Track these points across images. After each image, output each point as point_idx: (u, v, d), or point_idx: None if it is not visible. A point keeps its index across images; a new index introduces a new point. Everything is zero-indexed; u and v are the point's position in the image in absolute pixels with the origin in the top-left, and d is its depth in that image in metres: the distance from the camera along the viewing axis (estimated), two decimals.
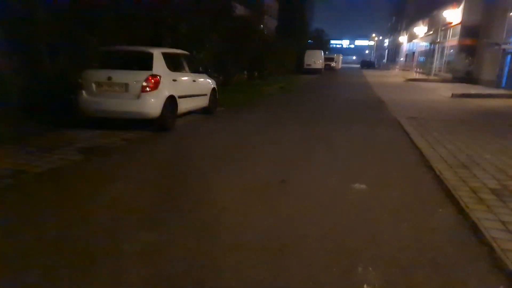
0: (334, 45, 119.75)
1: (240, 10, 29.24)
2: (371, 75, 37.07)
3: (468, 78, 26.52)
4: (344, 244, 3.06)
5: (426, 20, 40.50)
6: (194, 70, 8.50)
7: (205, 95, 8.86)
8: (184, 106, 7.76)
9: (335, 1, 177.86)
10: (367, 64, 70.18)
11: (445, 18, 29.92)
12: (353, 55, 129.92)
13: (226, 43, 15.83)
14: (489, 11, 24.56)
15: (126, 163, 5.44)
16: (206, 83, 9.05)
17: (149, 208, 3.76)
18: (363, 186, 4.48)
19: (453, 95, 14.90)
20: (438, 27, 32.47)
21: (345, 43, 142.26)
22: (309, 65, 36.71)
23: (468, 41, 27.01)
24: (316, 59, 37.13)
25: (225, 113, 10.09)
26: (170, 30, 10.36)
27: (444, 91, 18.20)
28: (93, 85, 7.04)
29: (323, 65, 39.62)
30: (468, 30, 26.89)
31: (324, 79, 30.90)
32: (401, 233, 3.29)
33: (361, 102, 13.57)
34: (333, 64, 50.43)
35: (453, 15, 28.73)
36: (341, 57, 63.97)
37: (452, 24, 29.33)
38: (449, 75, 28.78)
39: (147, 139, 6.81)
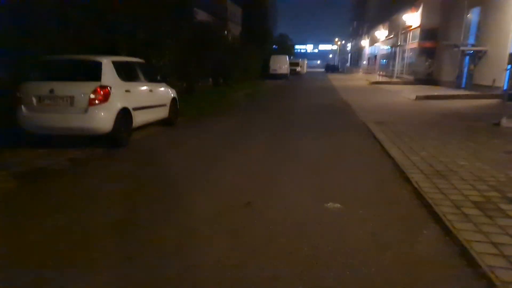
0: (299, 50, 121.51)
1: (202, 16, 28.77)
2: (336, 79, 37.44)
3: (429, 79, 27.21)
4: (322, 286, 2.56)
5: (386, 24, 41.52)
6: (151, 79, 7.82)
7: (165, 105, 8.20)
8: (140, 118, 7.08)
9: (299, 7, 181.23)
10: (331, 68, 71.26)
11: (404, 21, 30.65)
12: (317, 59, 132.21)
13: (189, 49, 15.21)
14: (447, 14, 25.33)
15: (67, 190, 4.70)
16: (165, 92, 8.40)
17: (87, 255, 3.10)
18: (337, 205, 4.03)
19: (417, 97, 15.00)
20: (398, 31, 33.26)
21: (309, 48, 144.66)
22: (275, 70, 36.57)
23: (427, 44, 27.73)
24: (281, 64, 37.06)
25: (188, 123, 9.48)
26: (126, 38, 9.62)
27: (407, 93, 18.37)
28: (34, 99, 6.24)
29: (289, 70, 39.63)
30: (427, 33, 27.62)
31: (290, 84, 30.79)
32: (385, 266, 2.83)
33: (329, 107, 13.32)
34: (298, 68, 50.67)
35: (412, 19, 29.46)
36: (306, 62, 64.64)
37: (412, 28, 30.07)
38: (411, 77, 29.43)
39: (96, 158, 6.09)
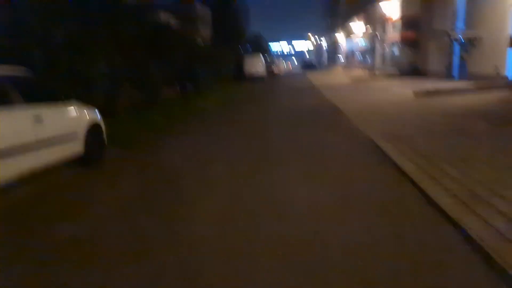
0: (275, 52, 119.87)
1: (167, 18, 26.28)
2: (315, 77, 35.35)
3: (414, 71, 25.42)
4: None
5: (362, 17, 39.86)
6: (44, 99, 4.96)
7: (73, 137, 5.33)
8: (14, 167, 4.20)
9: (270, 5, 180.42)
10: (308, 66, 69.29)
11: (382, 12, 28.90)
12: (293, 59, 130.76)
13: (145, 53, 12.75)
14: (428, 1, 23.56)
15: None
16: (74, 118, 5.52)
17: None
18: None
19: (416, 94, 12.86)
20: (376, 22, 31.51)
21: (283, 45, 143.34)
22: (250, 71, 34.22)
23: (410, 34, 25.97)
24: (257, 65, 34.74)
25: (126, 155, 6.70)
26: (40, 40, 7.07)
27: (399, 89, 16.33)
28: None
29: (265, 70, 37.41)
30: (409, 22, 25.85)
31: (267, 85, 28.48)
32: None
33: (314, 114, 10.94)
34: (275, 69, 48.69)
35: (390, 9, 27.70)
36: (283, 62, 62.80)
37: (391, 18, 28.32)
38: (395, 70, 27.62)
39: None
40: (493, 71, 14.92)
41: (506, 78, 14.81)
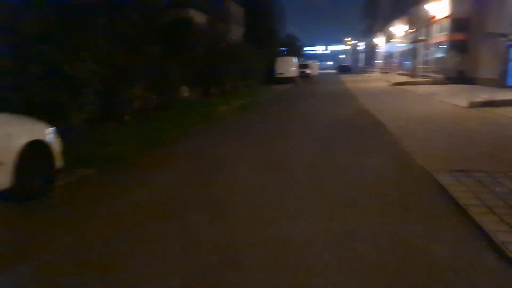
0: (309, 52, 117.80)
1: (199, 17, 25.44)
2: (351, 81, 33.37)
3: (462, 77, 23.00)
4: None
5: (405, 18, 37.31)
6: None
7: None
8: None
9: (307, 7, 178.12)
10: (344, 69, 67.31)
11: (428, 12, 26.52)
12: (328, 60, 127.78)
13: (158, 53, 11.63)
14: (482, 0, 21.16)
15: None
16: None
17: None
18: None
19: (471, 104, 10.90)
20: (420, 24, 29.07)
21: (320, 49, 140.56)
22: (281, 73, 32.67)
23: (458, 36, 23.52)
24: (288, 66, 33.16)
25: (89, 183, 5.02)
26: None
27: (446, 97, 14.33)
28: None
29: (297, 73, 35.75)
30: (458, 23, 23.41)
31: (298, 89, 26.90)
32: None
33: (349, 129, 8.99)
34: (308, 71, 46.79)
35: (438, 8, 25.31)
36: (316, 63, 60.64)
37: (438, 19, 25.89)
38: (440, 76, 25.22)
39: None
40: None
41: None
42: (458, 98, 13.62)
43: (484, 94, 14.04)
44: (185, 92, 17.29)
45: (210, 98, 17.34)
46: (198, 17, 26.13)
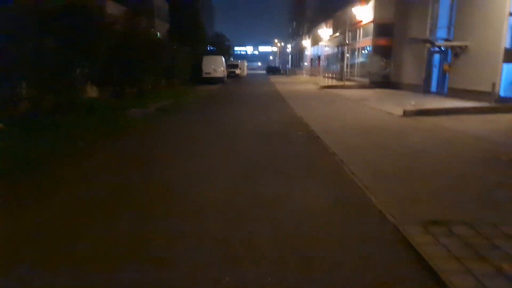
0: (238, 52, 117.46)
1: (116, 9, 22.85)
2: (280, 83, 32.76)
3: (386, 82, 23.40)
4: None
5: (330, 21, 37.80)
6: None
7: None
8: None
9: (235, 8, 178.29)
10: (273, 70, 67.56)
11: (352, 17, 26.72)
12: (257, 61, 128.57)
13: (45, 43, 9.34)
14: (405, 5, 21.56)
15: None
16: None
17: None
18: None
19: (406, 113, 10.26)
20: (345, 28, 29.33)
21: (249, 49, 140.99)
22: (209, 73, 30.89)
23: (383, 41, 23.90)
24: (216, 66, 31.48)
25: None
26: None
27: (378, 103, 13.87)
28: None
29: (226, 73, 34.26)
30: (382, 28, 23.76)
31: (226, 90, 25.40)
32: None
33: (282, 142, 7.52)
34: (237, 71, 45.66)
35: (362, 13, 25.56)
36: (246, 64, 59.81)
37: (363, 23, 26.19)
38: (365, 80, 25.49)
39: None
40: (485, 87, 12.75)
41: (499, 96, 12.72)
42: (389, 104, 13.16)
43: (412, 101, 13.80)
44: (93, 92, 14.85)
45: (124, 99, 15.08)
46: (114, 8, 23.44)
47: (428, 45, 17.70)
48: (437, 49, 17.77)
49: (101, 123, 9.33)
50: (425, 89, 18.59)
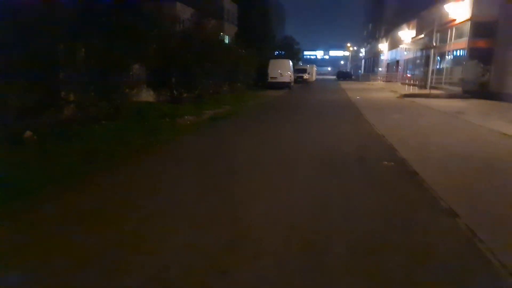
0: (308, 56, 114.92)
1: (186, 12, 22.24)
2: (352, 89, 29.84)
3: (484, 91, 19.59)
4: None
5: (414, 22, 33.95)
6: None
7: None
8: None
9: (307, 11, 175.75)
10: (343, 75, 64.18)
11: (443, 16, 23.15)
12: (327, 65, 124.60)
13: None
14: None
15: None
16: None
17: None
18: None
19: None
20: (432, 28, 25.64)
21: (319, 54, 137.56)
22: (274, 78, 28.99)
23: (481, 42, 20.15)
24: (283, 70, 29.51)
25: None
26: None
27: (482, 119, 10.87)
28: None
29: (293, 77, 32.20)
30: (482, 27, 20.01)
31: (291, 97, 23.32)
32: None
33: (362, 177, 5.30)
34: (305, 76, 43.34)
35: (457, 11, 21.95)
36: (315, 68, 57.25)
37: (456, 22, 22.52)
38: (455, 89, 21.81)
39: None
40: None
41: None
42: (497, 121, 10.19)
43: None
44: (149, 96, 13.78)
45: (180, 104, 13.77)
46: (183, 11, 22.74)
47: None
48: None
49: (138, 135, 7.81)
50: None
